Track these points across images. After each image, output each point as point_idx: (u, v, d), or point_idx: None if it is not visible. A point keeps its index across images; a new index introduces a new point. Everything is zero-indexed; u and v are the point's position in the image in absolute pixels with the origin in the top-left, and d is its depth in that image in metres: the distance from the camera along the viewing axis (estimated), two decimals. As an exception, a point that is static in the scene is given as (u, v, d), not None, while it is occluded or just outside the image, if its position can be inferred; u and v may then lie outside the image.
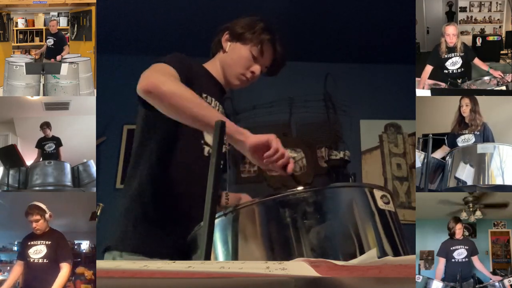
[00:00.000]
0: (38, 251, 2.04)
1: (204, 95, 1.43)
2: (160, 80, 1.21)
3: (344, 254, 0.93)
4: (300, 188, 1.01)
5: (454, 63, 2.25)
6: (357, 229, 0.97)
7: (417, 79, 2.28)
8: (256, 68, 1.52)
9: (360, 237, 0.97)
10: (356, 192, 1.06)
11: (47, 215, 2.08)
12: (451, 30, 2.24)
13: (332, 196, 1.02)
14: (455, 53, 2.26)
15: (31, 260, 2.03)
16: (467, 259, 2.31)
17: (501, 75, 2.17)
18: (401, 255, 0.98)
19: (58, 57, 2.82)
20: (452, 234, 2.34)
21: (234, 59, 1.52)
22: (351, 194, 1.06)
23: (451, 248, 2.33)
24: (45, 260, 2.03)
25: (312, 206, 0.96)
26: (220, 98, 1.53)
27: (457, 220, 2.36)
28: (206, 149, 1.42)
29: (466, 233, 2.57)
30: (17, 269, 2.06)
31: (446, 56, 2.26)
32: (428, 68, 2.27)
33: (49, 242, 2.06)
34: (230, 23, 1.58)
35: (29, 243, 2.06)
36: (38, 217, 2.05)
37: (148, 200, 1.34)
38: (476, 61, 2.27)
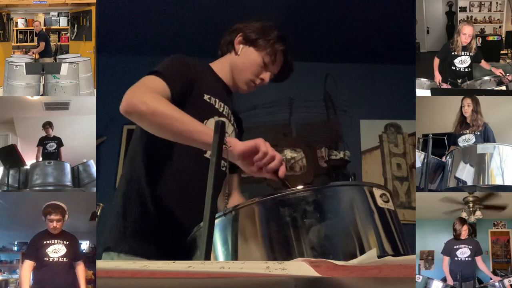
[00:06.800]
0: (57, 250, 2.04)
1: (207, 96, 1.41)
2: (139, 100, 1.20)
3: (344, 253, 0.93)
4: (300, 187, 1.00)
5: (463, 62, 2.26)
6: (356, 228, 0.97)
7: (417, 79, 2.28)
8: (266, 76, 1.52)
9: (360, 235, 0.96)
10: (356, 191, 1.06)
11: (66, 216, 2.09)
12: (468, 30, 2.26)
13: (332, 195, 1.02)
14: (466, 52, 2.27)
15: (50, 260, 2.03)
16: (470, 259, 2.31)
17: (502, 73, 2.18)
18: (401, 253, 0.98)
19: (29, 53, 2.84)
20: (457, 236, 2.34)
21: (245, 63, 1.51)
22: (350, 192, 1.06)
23: (455, 247, 2.34)
24: (65, 259, 2.04)
25: (312, 205, 0.96)
26: (226, 99, 1.50)
27: (463, 221, 2.36)
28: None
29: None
30: (28, 270, 2.04)
31: (457, 53, 2.27)
32: (436, 61, 2.29)
33: (67, 242, 2.07)
34: (242, 24, 1.56)
35: (44, 242, 2.05)
36: (60, 216, 2.06)
37: (147, 200, 1.33)
38: (483, 63, 2.28)
